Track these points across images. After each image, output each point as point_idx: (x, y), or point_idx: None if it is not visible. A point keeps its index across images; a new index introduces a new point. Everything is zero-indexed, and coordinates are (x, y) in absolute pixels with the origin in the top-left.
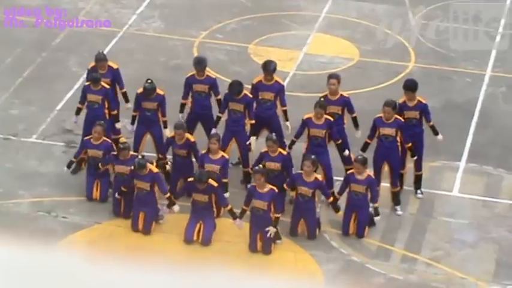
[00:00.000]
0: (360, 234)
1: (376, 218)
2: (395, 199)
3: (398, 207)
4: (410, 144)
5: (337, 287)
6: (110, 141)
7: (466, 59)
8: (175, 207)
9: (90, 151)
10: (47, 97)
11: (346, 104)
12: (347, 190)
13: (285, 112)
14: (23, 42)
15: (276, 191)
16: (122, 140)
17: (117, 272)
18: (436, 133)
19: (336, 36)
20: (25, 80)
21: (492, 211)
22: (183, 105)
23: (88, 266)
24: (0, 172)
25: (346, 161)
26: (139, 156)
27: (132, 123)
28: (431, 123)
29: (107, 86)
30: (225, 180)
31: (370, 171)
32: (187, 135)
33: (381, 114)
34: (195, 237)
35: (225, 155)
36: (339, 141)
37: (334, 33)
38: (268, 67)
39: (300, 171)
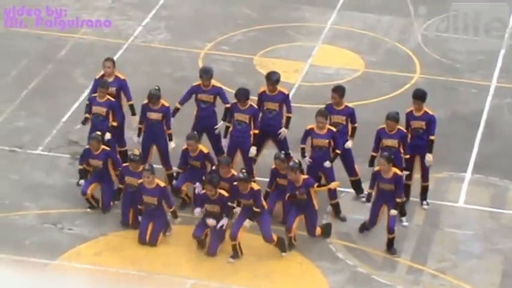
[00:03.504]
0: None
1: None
2: (401, 210)
3: (404, 218)
4: (408, 156)
5: None
6: (108, 148)
7: (472, 70)
8: (178, 220)
9: (91, 161)
10: (52, 109)
11: (350, 114)
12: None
13: (287, 119)
14: (28, 54)
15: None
16: (136, 152)
17: None
18: (430, 151)
19: (342, 48)
20: (31, 92)
21: (498, 222)
22: (176, 110)
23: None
24: (6, 184)
25: (350, 172)
26: (147, 167)
27: (138, 135)
28: (432, 137)
29: (112, 99)
30: None
31: (396, 170)
32: (201, 146)
33: (384, 126)
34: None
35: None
36: (338, 152)
37: (340, 44)
38: (271, 78)
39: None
